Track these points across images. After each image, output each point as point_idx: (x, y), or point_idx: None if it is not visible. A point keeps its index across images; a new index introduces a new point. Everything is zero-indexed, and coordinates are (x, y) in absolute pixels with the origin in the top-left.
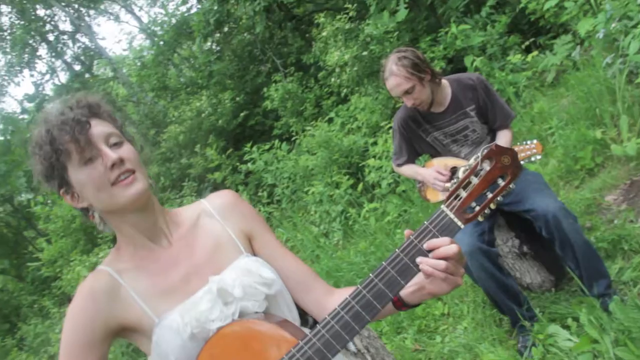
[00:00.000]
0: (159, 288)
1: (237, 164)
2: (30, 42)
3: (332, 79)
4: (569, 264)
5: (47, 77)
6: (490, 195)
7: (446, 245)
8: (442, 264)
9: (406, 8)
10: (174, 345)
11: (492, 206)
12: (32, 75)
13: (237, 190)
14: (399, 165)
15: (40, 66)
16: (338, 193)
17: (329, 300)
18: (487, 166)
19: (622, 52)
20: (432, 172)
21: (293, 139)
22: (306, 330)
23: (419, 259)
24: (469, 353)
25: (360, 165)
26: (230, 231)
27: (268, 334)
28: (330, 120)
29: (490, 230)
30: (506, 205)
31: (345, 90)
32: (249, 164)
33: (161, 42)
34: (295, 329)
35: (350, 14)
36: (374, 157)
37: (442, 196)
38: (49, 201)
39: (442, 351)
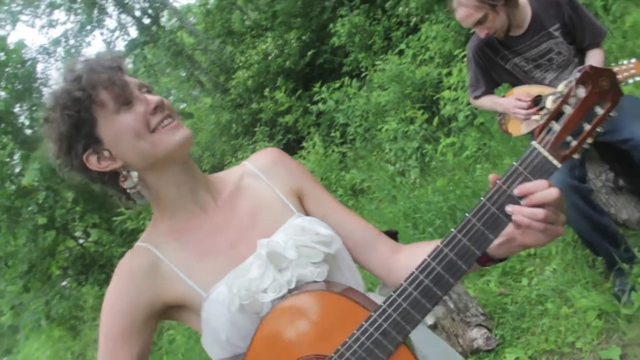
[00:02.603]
0: (203, 259)
1: (308, 105)
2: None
3: (400, 8)
4: None
5: (117, 33)
6: (588, 127)
7: (543, 190)
8: (541, 212)
9: None
10: (223, 321)
11: (590, 140)
12: (102, 34)
13: (308, 133)
14: (476, 97)
15: (110, 23)
16: (413, 129)
17: (397, 259)
18: (581, 92)
19: None
20: (511, 100)
21: (363, 75)
22: (374, 297)
23: (509, 208)
24: (560, 297)
25: (434, 98)
26: (278, 191)
27: (333, 306)
28: (401, 53)
29: (581, 164)
30: (601, 135)
31: (414, 19)
32: (320, 104)
33: None
34: (363, 298)
35: None
36: (449, 88)
37: (524, 128)
38: None
39: (530, 295)
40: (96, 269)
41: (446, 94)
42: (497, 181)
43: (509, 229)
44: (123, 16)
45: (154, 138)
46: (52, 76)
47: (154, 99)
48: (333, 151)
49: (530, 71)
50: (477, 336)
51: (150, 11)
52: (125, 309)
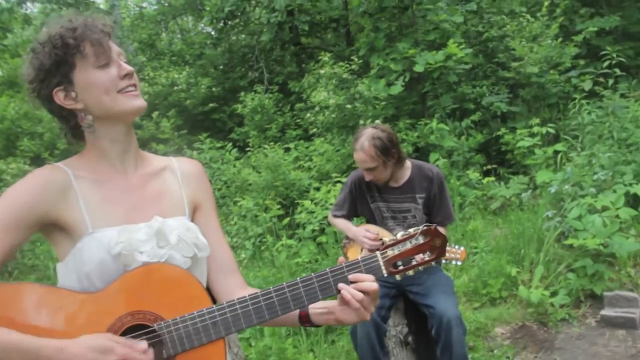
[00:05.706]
0: (105, 206)
1: (184, 147)
2: None
3: (308, 115)
4: None
5: None
6: (414, 262)
7: (369, 282)
8: (361, 295)
9: (402, 86)
10: (95, 258)
11: (411, 272)
12: None
13: None
14: (335, 216)
15: None
16: (263, 217)
17: (243, 292)
18: (421, 239)
19: (563, 213)
20: (362, 229)
21: (247, 149)
22: None
23: (340, 285)
24: None
25: (295, 201)
26: (184, 194)
27: (188, 285)
28: (287, 150)
29: (389, 309)
30: (413, 293)
31: (314, 130)
32: (195, 152)
33: (167, 4)
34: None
35: (353, 66)
36: (312, 200)
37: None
38: None
39: None
40: None
41: (307, 203)
42: (342, 264)
43: (332, 303)
44: None
45: (117, 97)
46: (51, 19)
47: (127, 67)
48: None
49: (386, 218)
50: None
51: None
52: (24, 206)
